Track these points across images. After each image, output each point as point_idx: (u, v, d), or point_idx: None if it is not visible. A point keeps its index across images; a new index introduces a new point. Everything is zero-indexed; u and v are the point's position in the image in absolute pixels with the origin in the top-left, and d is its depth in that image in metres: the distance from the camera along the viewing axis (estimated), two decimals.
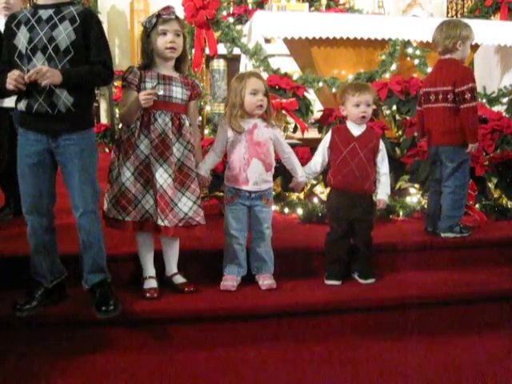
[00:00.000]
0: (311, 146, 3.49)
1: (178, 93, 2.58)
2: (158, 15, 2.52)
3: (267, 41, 5.51)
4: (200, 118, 4.40)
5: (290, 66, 5.24)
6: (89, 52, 2.34)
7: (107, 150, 6.75)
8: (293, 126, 4.20)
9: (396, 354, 2.45)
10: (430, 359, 2.41)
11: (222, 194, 3.35)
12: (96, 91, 3.37)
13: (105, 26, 2.91)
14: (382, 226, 3.39)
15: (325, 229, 2.93)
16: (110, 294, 2.41)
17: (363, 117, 2.82)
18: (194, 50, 4.50)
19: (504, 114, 4.43)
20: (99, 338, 2.45)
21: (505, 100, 4.96)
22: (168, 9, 2.54)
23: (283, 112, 3.94)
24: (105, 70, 2.38)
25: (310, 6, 6.85)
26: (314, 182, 3.82)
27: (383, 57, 4.65)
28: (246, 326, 2.56)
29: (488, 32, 4.90)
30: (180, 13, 3.20)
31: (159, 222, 2.52)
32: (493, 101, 4.96)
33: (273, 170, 2.77)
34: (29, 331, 2.43)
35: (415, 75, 4.55)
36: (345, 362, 2.38)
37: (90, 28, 2.33)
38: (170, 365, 2.34)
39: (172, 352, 2.43)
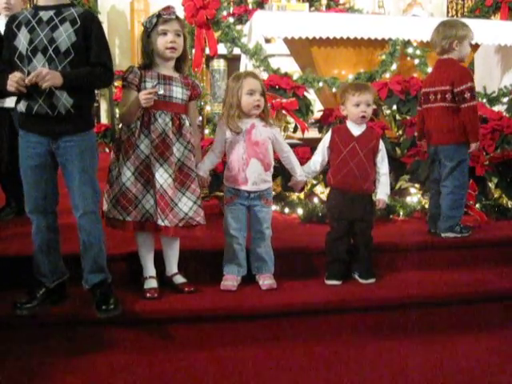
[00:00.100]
0: (311, 145, 3.49)
1: (178, 93, 2.58)
2: (159, 15, 2.52)
3: (267, 41, 5.52)
4: (200, 118, 4.40)
5: (290, 66, 5.24)
6: (89, 53, 2.34)
7: (107, 150, 6.76)
8: (293, 125, 4.20)
9: (396, 354, 2.45)
10: (430, 359, 2.41)
11: (222, 193, 3.35)
12: (96, 91, 3.37)
13: (105, 26, 2.92)
14: (382, 225, 3.39)
15: (325, 229, 2.93)
16: (111, 293, 2.41)
17: (363, 116, 2.82)
18: (194, 50, 4.50)
19: (504, 114, 4.43)
20: (99, 338, 2.45)
21: (505, 100, 4.95)
22: (168, 9, 2.54)
23: (283, 112, 3.95)
24: (105, 71, 2.38)
25: (310, 6, 6.86)
26: (315, 182, 3.83)
27: (383, 57, 4.65)
28: (246, 325, 2.56)
29: (488, 32, 4.90)
30: (180, 13, 3.19)
31: (159, 222, 2.52)
32: (493, 100, 4.96)
33: (272, 169, 2.77)
34: (29, 331, 2.43)
35: (415, 75, 4.55)
36: (345, 361, 2.38)
37: (90, 30, 2.33)
38: (170, 365, 2.34)
39: (172, 352, 2.43)
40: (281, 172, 3.44)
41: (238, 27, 4.84)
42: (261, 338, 2.53)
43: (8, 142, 3.38)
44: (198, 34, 4.44)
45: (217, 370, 2.30)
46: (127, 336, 2.47)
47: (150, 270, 2.69)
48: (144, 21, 2.60)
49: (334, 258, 2.85)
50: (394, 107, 4.33)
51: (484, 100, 4.89)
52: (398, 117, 4.41)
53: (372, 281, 2.85)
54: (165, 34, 2.52)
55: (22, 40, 2.29)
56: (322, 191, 3.83)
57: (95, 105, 7.22)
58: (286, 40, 5.04)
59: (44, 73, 2.20)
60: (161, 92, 2.50)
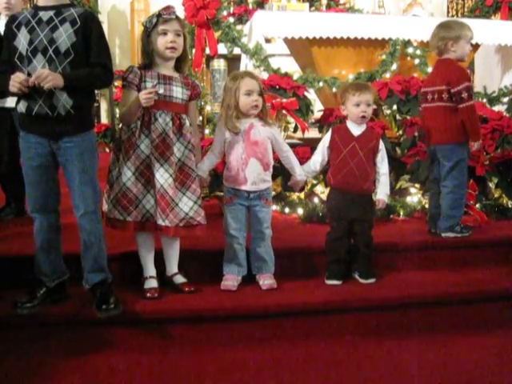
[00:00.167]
0: (311, 145, 3.49)
1: (179, 92, 2.58)
2: (159, 15, 2.52)
3: (267, 41, 5.52)
4: (200, 118, 4.40)
5: (290, 66, 5.24)
6: (89, 54, 2.34)
7: (107, 150, 6.76)
8: (293, 125, 4.20)
9: (396, 354, 2.45)
10: (430, 359, 2.41)
11: (222, 193, 3.35)
12: (96, 91, 3.37)
13: (105, 26, 2.92)
14: (382, 225, 3.39)
15: (325, 229, 2.93)
16: (111, 293, 2.41)
17: (363, 116, 2.82)
18: (194, 50, 4.50)
19: (504, 114, 4.42)
20: (99, 338, 2.45)
21: (505, 100, 4.95)
22: (168, 8, 2.54)
23: (283, 112, 3.95)
24: (105, 72, 2.38)
25: (311, 6, 6.86)
26: (315, 182, 3.83)
27: (383, 56, 4.65)
28: (246, 325, 2.56)
29: (488, 32, 4.91)
30: (180, 13, 3.19)
31: (160, 221, 2.52)
32: (493, 100, 4.96)
33: (271, 169, 2.77)
34: (29, 331, 2.43)
35: (415, 75, 4.55)
36: (345, 361, 2.38)
37: (90, 30, 2.33)
38: (170, 365, 2.34)
39: (172, 352, 2.43)
40: (281, 172, 3.44)
41: (239, 27, 4.85)
42: (261, 338, 2.53)
43: (8, 142, 3.38)
44: (199, 34, 4.44)
45: (217, 370, 2.30)
46: (127, 336, 2.47)
47: (150, 269, 2.69)
48: (144, 21, 2.59)
49: (334, 257, 2.85)
50: (395, 107, 4.33)
51: (484, 100, 4.89)
52: (398, 117, 4.42)
53: (372, 281, 2.85)
54: (165, 33, 2.51)
55: (22, 40, 2.29)
56: (322, 191, 3.83)
57: (95, 105, 7.23)
58: (286, 40, 5.04)
59: (45, 74, 2.20)
60: (161, 91, 2.50)
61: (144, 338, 2.48)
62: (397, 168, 3.89)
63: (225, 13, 4.63)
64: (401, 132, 4.34)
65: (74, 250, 2.50)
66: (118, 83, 6.32)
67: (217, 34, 4.46)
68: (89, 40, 2.33)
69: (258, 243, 2.76)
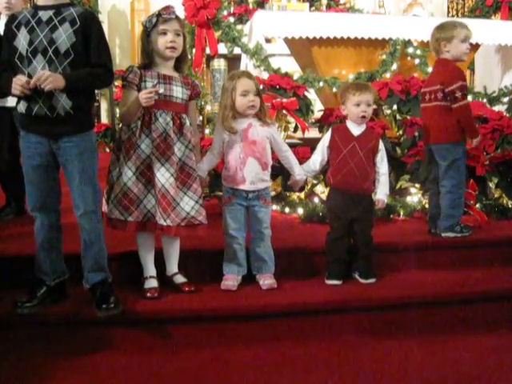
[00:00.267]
0: (312, 145, 3.48)
1: (179, 92, 2.58)
2: (159, 15, 2.52)
3: (268, 40, 5.52)
4: (200, 118, 4.40)
5: (290, 66, 5.25)
6: (89, 54, 2.34)
7: (107, 150, 6.76)
8: (293, 125, 4.20)
9: (396, 354, 2.45)
10: (430, 359, 2.41)
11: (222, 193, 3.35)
12: (96, 91, 3.36)
13: (105, 26, 2.92)
14: (382, 225, 3.39)
15: (325, 228, 2.93)
16: (111, 292, 2.41)
17: (363, 116, 2.82)
18: (194, 50, 4.50)
19: (504, 114, 4.43)
20: (100, 338, 2.45)
21: (505, 99, 4.95)
22: (168, 8, 2.54)
23: (284, 112, 3.95)
24: (105, 72, 2.38)
25: (311, 6, 6.87)
26: (315, 182, 3.82)
27: (384, 56, 4.65)
28: (246, 325, 2.56)
29: (488, 32, 4.91)
30: (180, 12, 3.20)
31: (161, 221, 2.52)
32: (493, 100, 4.96)
33: (269, 168, 2.77)
34: (29, 330, 2.43)
35: (416, 75, 4.55)
36: (345, 361, 2.38)
37: (90, 30, 2.33)
38: (170, 365, 2.34)
39: (172, 352, 2.43)
40: (281, 172, 3.44)
41: (239, 27, 4.84)
42: (261, 338, 2.53)
43: (8, 141, 3.38)
44: (199, 34, 4.44)
45: (217, 370, 2.30)
46: (127, 336, 2.47)
47: (150, 269, 2.69)
48: (144, 20, 2.59)
49: (334, 257, 2.85)
50: (395, 107, 4.33)
51: (484, 100, 4.89)
52: (398, 117, 4.41)
53: (372, 280, 2.85)
54: (165, 33, 2.51)
55: (22, 40, 2.29)
56: (322, 191, 3.83)
57: (95, 104, 7.23)
58: (286, 40, 5.04)
59: (45, 75, 2.20)
60: (161, 91, 2.50)
61: (144, 337, 2.48)
62: (397, 168, 3.89)
63: (225, 12, 4.64)
64: (401, 132, 4.34)
65: (74, 250, 2.50)
66: (118, 83, 6.33)
67: (217, 34, 4.46)
68: (89, 40, 2.33)
69: (257, 243, 2.76)
